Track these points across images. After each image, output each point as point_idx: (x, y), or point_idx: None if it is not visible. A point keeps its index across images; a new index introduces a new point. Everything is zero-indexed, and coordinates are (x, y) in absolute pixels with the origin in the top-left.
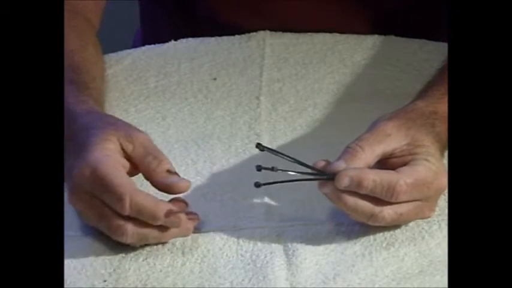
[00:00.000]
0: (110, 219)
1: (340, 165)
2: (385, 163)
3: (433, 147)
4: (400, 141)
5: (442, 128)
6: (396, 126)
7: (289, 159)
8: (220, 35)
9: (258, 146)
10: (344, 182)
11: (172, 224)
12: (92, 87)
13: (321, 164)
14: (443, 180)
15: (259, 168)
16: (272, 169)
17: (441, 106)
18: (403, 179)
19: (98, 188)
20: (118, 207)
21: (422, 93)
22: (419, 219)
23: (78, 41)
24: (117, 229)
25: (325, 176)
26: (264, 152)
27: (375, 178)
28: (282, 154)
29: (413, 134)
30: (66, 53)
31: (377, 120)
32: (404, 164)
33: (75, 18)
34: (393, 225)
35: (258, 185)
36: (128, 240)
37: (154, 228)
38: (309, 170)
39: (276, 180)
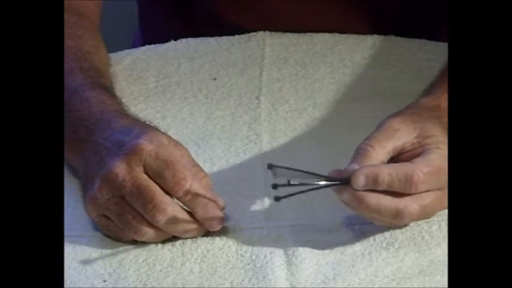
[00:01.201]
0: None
1: (354, 167)
2: (397, 159)
3: (442, 135)
4: (409, 135)
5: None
6: (403, 120)
7: (303, 172)
8: (219, 35)
9: (270, 166)
10: (360, 180)
11: (212, 223)
12: (114, 90)
13: (334, 172)
14: None
15: (274, 186)
16: (289, 184)
17: (444, 101)
18: (418, 168)
19: (160, 165)
20: (176, 188)
21: (425, 92)
22: (443, 209)
23: (92, 42)
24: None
25: (340, 181)
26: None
27: (390, 171)
28: (295, 169)
29: (420, 126)
30: (83, 53)
31: (384, 119)
32: (417, 156)
33: (83, 19)
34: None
35: (277, 199)
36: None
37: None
38: (324, 181)
39: (293, 192)
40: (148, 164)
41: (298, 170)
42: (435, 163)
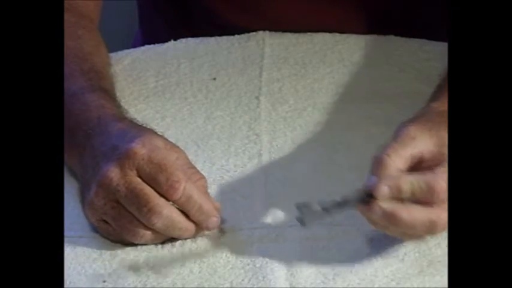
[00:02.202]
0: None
1: (373, 181)
2: (418, 169)
3: None
4: (426, 143)
5: None
6: (419, 128)
7: (331, 205)
8: (219, 35)
9: (298, 206)
10: (383, 191)
11: (208, 223)
12: (114, 92)
13: (357, 192)
14: None
15: (301, 221)
16: (315, 218)
17: None
18: (440, 177)
19: (153, 168)
20: (170, 191)
21: (433, 96)
22: None
23: (93, 43)
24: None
25: (364, 198)
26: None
27: (412, 180)
28: (323, 207)
29: (437, 134)
30: (83, 54)
31: (398, 126)
32: (437, 165)
33: (83, 19)
34: None
35: (302, 223)
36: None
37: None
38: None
39: (316, 215)
40: (141, 168)
41: (326, 208)
42: None
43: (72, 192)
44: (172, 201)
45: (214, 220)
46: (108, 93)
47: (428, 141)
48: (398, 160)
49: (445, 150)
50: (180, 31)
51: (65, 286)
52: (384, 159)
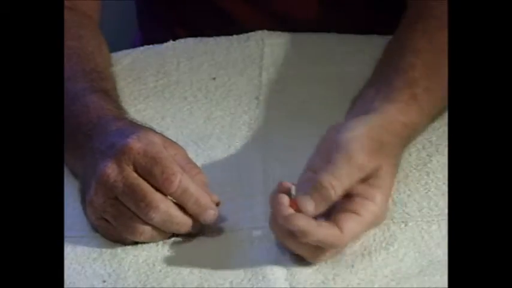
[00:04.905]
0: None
1: (308, 206)
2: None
3: (389, 173)
4: (366, 172)
5: (411, 133)
6: (369, 159)
7: None
8: (218, 28)
9: None
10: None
11: (205, 216)
12: (116, 93)
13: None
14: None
15: None
16: None
17: (411, 114)
18: (346, 236)
19: (148, 162)
20: (165, 184)
21: (385, 94)
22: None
23: (95, 42)
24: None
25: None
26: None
27: (319, 238)
28: None
29: (377, 164)
30: (86, 54)
31: (347, 138)
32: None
33: (85, 18)
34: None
35: None
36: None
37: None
38: None
39: None
40: (137, 162)
41: None
42: (363, 226)
43: (72, 193)
44: (169, 195)
45: (211, 213)
46: (109, 94)
47: (369, 170)
48: (338, 196)
49: (373, 183)
50: (178, 30)
51: (65, 286)
52: (330, 194)
